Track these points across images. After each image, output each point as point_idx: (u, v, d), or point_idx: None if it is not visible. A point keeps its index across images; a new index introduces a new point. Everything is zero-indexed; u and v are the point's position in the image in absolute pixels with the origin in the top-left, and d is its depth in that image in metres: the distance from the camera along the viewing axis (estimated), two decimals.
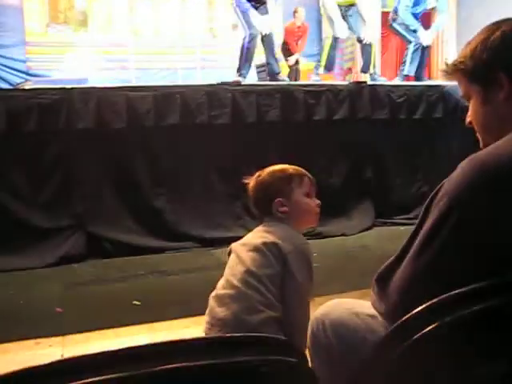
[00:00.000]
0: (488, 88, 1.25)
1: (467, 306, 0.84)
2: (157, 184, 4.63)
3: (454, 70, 1.32)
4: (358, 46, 6.83)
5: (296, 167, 2.03)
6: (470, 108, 1.33)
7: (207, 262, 4.29)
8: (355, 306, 1.39)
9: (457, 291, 0.88)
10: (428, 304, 0.85)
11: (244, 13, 5.70)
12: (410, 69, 6.47)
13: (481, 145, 1.33)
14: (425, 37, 6.34)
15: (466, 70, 1.28)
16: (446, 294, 0.87)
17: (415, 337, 0.83)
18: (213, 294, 1.88)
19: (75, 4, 9.98)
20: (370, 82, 5.61)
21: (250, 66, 5.87)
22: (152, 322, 3.17)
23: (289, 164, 2.06)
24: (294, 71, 8.08)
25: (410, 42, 6.46)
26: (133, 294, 3.57)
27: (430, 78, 8.91)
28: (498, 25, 1.26)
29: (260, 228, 1.97)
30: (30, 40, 9.58)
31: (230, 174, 4.76)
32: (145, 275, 4.02)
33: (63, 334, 2.99)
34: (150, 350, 0.63)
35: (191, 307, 3.34)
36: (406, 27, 6.37)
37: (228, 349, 0.64)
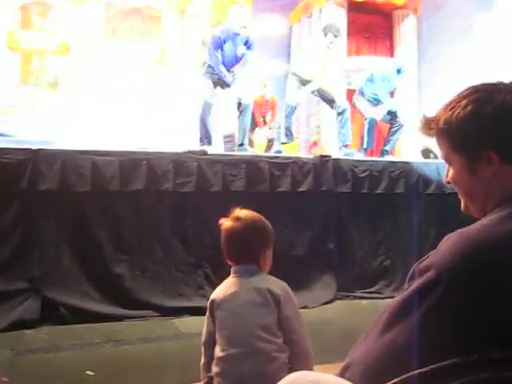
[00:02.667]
0: (475, 162, 1.23)
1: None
2: (118, 250, 4.56)
3: (438, 133, 1.29)
4: (325, 119, 7.01)
5: None
6: (451, 172, 1.31)
7: (166, 332, 4.19)
8: (320, 379, 1.36)
9: (420, 370, 0.87)
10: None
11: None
12: (367, 143, 6.76)
13: (462, 205, 1.33)
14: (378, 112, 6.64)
15: (451, 138, 1.26)
16: (410, 373, 0.86)
17: None
18: (219, 355, 1.96)
19: (47, 66, 10.09)
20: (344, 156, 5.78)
21: (209, 134, 5.94)
22: None
23: None
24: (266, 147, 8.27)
25: (366, 119, 6.78)
26: (86, 364, 3.44)
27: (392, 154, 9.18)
28: (488, 95, 1.23)
29: (243, 279, 2.02)
30: None
31: (193, 242, 4.74)
32: (100, 344, 3.89)
33: None
34: None
35: (146, 378, 3.24)
36: (365, 104, 6.67)
37: None
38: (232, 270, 2.08)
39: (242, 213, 2.08)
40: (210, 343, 2.04)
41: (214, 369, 2.00)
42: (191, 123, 6.01)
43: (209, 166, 4.82)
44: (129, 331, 4.19)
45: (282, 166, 5.15)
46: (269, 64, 10.65)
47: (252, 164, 5.03)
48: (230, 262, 2.10)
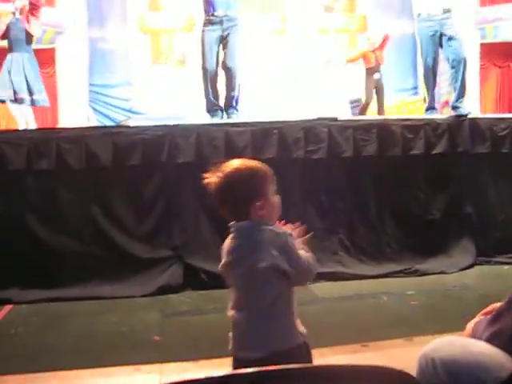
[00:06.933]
0: None
1: None
2: None
3: None
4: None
5: (260, 163, 1.86)
6: None
7: (303, 297, 4.22)
8: (467, 344, 1.33)
9: None
10: None
11: None
12: None
13: None
14: None
15: None
16: None
17: None
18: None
19: (175, 45, 10.47)
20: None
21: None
22: None
23: None
24: None
25: None
26: (228, 326, 3.59)
27: None
28: None
29: (239, 250, 1.82)
30: (134, 80, 10.13)
31: (326, 208, 4.74)
32: None
33: (161, 362, 3.06)
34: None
35: None
36: None
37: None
38: (231, 227, 1.88)
39: (225, 165, 1.83)
40: None
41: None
42: (318, 90, 5.92)
43: (339, 132, 4.77)
44: None
45: (415, 128, 4.97)
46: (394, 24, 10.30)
47: (383, 128, 4.90)
48: None
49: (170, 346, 3.33)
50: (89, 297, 4.26)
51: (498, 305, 1.56)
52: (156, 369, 2.99)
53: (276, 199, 1.85)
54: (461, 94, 5.74)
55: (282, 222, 1.89)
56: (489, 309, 1.61)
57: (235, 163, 1.85)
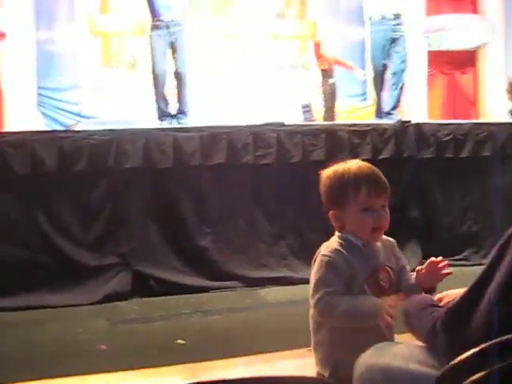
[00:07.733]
0: None
1: None
2: (202, 223, 4.66)
3: None
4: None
5: (360, 169, 1.84)
6: None
7: (252, 302, 4.26)
8: (404, 352, 1.35)
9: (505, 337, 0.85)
10: (476, 350, 0.82)
11: None
12: None
13: None
14: None
15: None
16: (496, 340, 0.84)
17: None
18: None
19: (125, 48, 10.36)
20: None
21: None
22: (195, 362, 3.15)
23: None
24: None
25: None
26: (176, 333, 3.57)
27: (476, 117, 8.79)
28: None
29: None
30: (83, 83, 9.95)
31: (275, 214, 4.77)
32: (189, 314, 4.02)
33: (107, 372, 3.00)
34: None
35: (235, 347, 3.32)
36: None
37: None
38: None
39: (338, 164, 1.89)
40: None
41: None
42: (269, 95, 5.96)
43: (288, 137, 4.80)
44: (216, 302, 4.29)
45: (362, 133, 5.04)
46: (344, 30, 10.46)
47: (331, 133, 4.95)
48: None
49: (117, 355, 3.27)
50: (35, 306, 4.13)
51: (449, 293, 1.59)
52: (103, 379, 2.94)
53: (359, 216, 1.78)
54: (397, 102, 5.93)
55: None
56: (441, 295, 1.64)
57: (342, 165, 1.86)
